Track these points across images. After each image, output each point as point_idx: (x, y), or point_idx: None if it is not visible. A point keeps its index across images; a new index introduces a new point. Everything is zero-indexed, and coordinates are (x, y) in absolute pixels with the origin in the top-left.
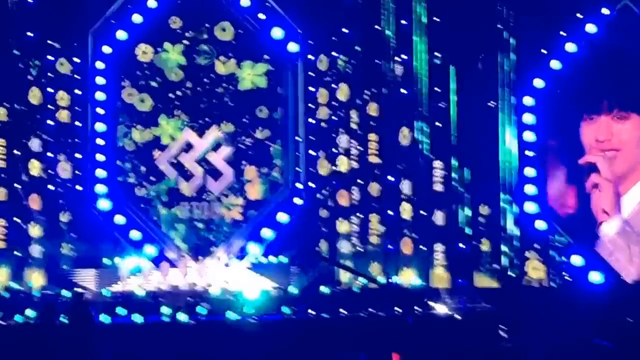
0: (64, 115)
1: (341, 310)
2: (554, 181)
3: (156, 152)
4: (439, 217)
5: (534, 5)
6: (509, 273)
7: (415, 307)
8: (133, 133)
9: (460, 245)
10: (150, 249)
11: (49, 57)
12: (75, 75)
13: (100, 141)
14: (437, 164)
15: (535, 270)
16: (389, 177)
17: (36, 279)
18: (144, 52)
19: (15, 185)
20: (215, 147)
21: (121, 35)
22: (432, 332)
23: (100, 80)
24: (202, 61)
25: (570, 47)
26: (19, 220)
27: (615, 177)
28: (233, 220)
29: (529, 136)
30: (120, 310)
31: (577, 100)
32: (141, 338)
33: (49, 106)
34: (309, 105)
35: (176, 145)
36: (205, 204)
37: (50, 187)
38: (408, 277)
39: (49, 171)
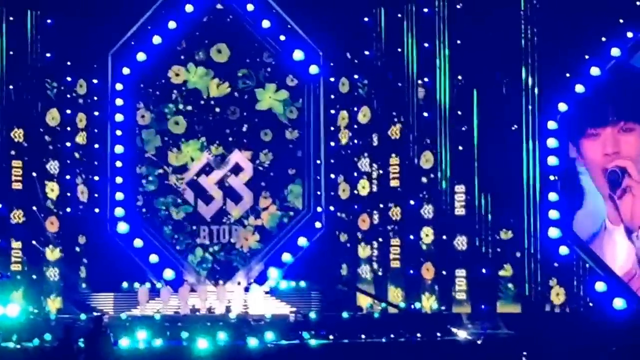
0: (82, 137)
1: (362, 335)
2: None
3: (175, 176)
4: (460, 242)
5: (558, 29)
6: (531, 299)
7: (437, 333)
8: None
9: (482, 270)
10: (169, 273)
11: (68, 79)
12: (94, 97)
13: (118, 163)
14: (459, 188)
15: (557, 296)
16: (410, 201)
17: (53, 303)
18: (176, 74)
19: (33, 207)
20: (236, 170)
21: (141, 57)
22: (453, 357)
23: (119, 102)
24: (216, 82)
25: (595, 70)
26: (36, 243)
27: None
28: (253, 244)
29: (552, 160)
30: (140, 335)
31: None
32: None
33: (67, 128)
34: (330, 128)
35: (196, 168)
36: (226, 228)
37: (68, 209)
38: (429, 303)
39: (67, 194)
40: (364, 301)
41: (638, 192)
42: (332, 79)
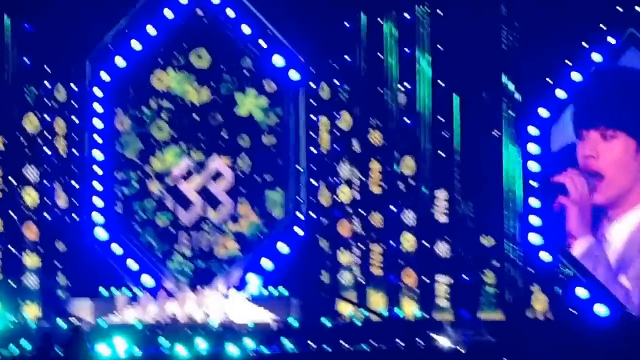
0: (60, 143)
1: (342, 342)
2: None
3: (154, 182)
4: (441, 248)
5: (539, 34)
6: (513, 305)
7: (418, 340)
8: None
9: (464, 276)
10: (148, 280)
11: (46, 84)
12: (73, 102)
13: (97, 169)
14: (440, 194)
15: (539, 302)
16: (391, 207)
17: (31, 310)
18: (157, 79)
19: (11, 213)
20: (215, 176)
21: (120, 62)
22: None
23: (97, 107)
24: (196, 88)
25: (576, 76)
26: (14, 250)
27: (585, 200)
28: (232, 251)
29: (533, 166)
30: (118, 342)
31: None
32: None
33: (45, 134)
34: (310, 133)
35: (175, 174)
36: (205, 234)
37: (47, 216)
38: (410, 309)
39: (46, 200)
40: (345, 308)
41: (570, 211)
42: (312, 85)
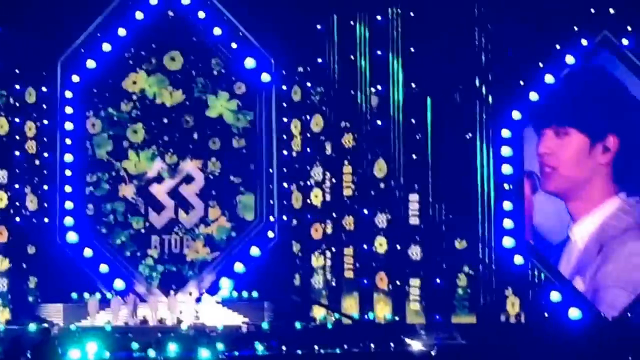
0: (31, 146)
1: (315, 346)
2: None
3: (125, 185)
4: (414, 252)
5: (512, 36)
6: (486, 309)
7: (391, 344)
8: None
9: (437, 280)
10: (120, 283)
11: (17, 87)
12: (44, 105)
13: (68, 172)
14: (413, 197)
15: (512, 306)
16: (364, 211)
17: (1, 314)
18: (129, 82)
19: None
20: (187, 179)
21: (91, 64)
22: None
23: (69, 110)
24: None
25: (549, 78)
26: None
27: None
28: (204, 254)
29: (506, 169)
30: (89, 346)
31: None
32: None
33: (16, 137)
34: (282, 136)
35: (147, 176)
36: (177, 237)
37: (17, 219)
38: (383, 313)
39: (16, 203)
40: (317, 312)
41: None
42: (284, 87)
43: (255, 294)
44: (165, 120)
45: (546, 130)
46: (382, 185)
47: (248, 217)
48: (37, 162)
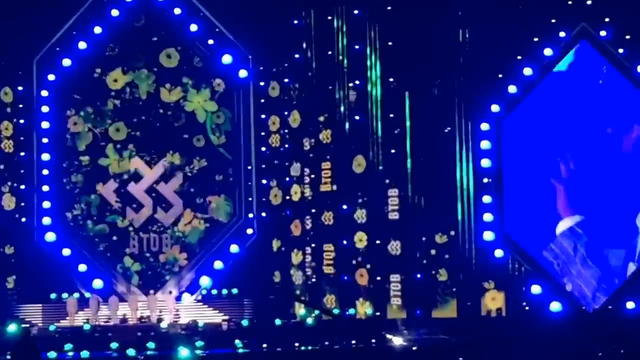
0: (7, 145)
1: (295, 343)
2: None
3: (103, 184)
4: (394, 247)
5: (490, 29)
6: (467, 303)
7: (372, 339)
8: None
9: (417, 275)
10: (99, 283)
11: None
12: (20, 105)
13: (45, 172)
14: (392, 192)
15: (493, 300)
16: (343, 206)
17: None
18: (106, 79)
19: None
20: (166, 178)
21: (67, 63)
22: None
23: (45, 109)
24: (146, 88)
25: (527, 71)
26: None
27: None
28: (183, 252)
29: (485, 163)
30: (68, 346)
31: None
32: None
33: None
34: (261, 133)
35: (125, 175)
36: (156, 236)
37: None
38: (364, 309)
39: None
40: (297, 308)
41: (559, 191)
42: (261, 83)
43: (235, 291)
44: (143, 118)
45: None
46: (361, 180)
47: (227, 214)
48: (14, 161)
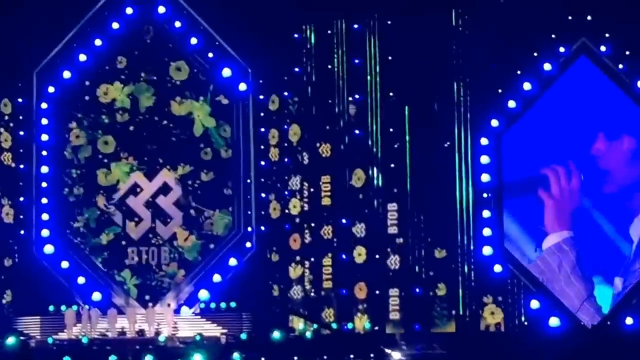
0: (7, 158)
1: (294, 357)
2: None
3: (103, 197)
4: (393, 261)
5: (490, 44)
6: (466, 318)
7: (370, 354)
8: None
9: (416, 289)
10: (97, 296)
11: None
12: (19, 117)
13: (44, 184)
14: (392, 206)
15: (492, 315)
16: (342, 220)
17: None
18: (104, 92)
19: None
20: (165, 190)
21: (67, 75)
22: None
23: (44, 121)
24: (145, 101)
25: (527, 86)
26: None
27: (565, 195)
28: (182, 265)
29: (485, 178)
30: (66, 359)
31: None
32: None
33: None
34: (260, 146)
35: (124, 188)
36: (154, 249)
37: None
38: (362, 323)
39: None
40: (296, 322)
41: (547, 205)
42: (261, 97)
43: (233, 304)
44: (141, 131)
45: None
46: (360, 194)
47: (226, 227)
48: (13, 173)
